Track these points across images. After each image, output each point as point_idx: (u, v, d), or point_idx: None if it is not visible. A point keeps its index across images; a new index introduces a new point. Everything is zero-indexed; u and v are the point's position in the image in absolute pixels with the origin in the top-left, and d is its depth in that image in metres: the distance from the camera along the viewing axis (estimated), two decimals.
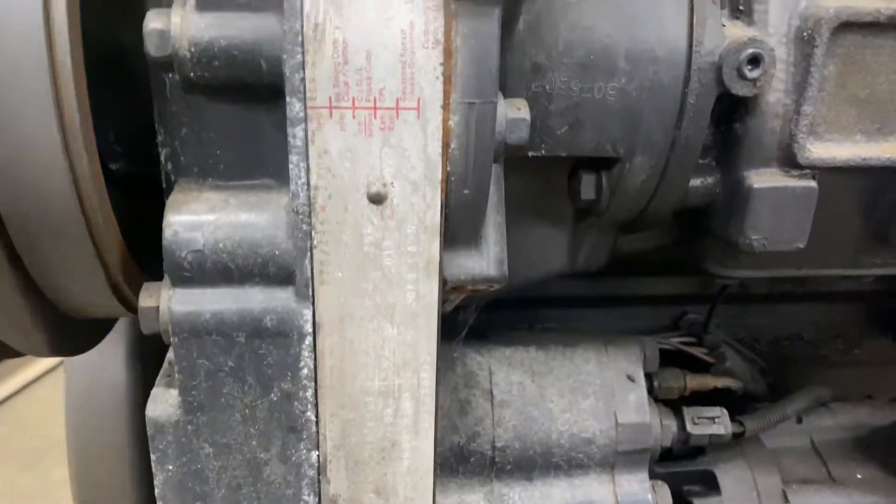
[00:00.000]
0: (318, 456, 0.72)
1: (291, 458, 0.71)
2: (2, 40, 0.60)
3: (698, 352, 1.21)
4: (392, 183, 0.64)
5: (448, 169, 0.65)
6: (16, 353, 0.78)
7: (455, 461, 0.91)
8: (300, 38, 0.59)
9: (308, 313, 0.67)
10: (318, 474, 0.72)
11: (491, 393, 0.92)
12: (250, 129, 0.67)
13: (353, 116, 0.62)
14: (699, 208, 0.85)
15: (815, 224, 0.81)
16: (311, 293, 0.66)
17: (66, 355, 0.81)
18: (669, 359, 1.17)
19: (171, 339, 0.67)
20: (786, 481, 1.12)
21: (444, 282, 0.70)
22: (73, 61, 0.61)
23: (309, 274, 0.66)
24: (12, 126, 0.62)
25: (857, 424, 1.23)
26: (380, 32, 0.60)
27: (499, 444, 0.91)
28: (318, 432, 0.71)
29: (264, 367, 0.68)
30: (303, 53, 0.59)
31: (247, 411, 0.70)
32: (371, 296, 0.67)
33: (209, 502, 0.72)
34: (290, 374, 0.68)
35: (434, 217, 0.66)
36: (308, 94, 0.60)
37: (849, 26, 0.74)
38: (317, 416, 0.70)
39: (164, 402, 0.70)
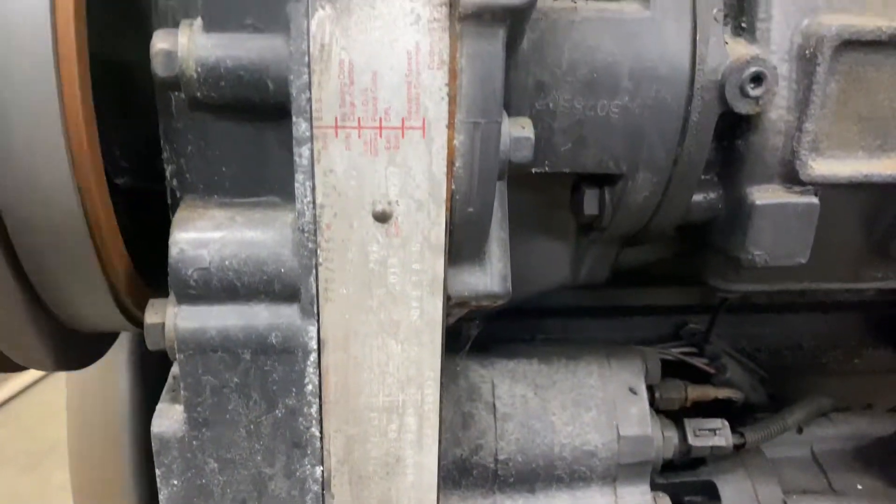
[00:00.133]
0: (323, 471, 0.72)
1: (296, 474, 0.72)
2: (10, 57, 0.60)
3: (699, 362, 1.21)
4: (397, 201, 0.64)
5: (453, 187, 0.65)
6: (19, 367, 0.78)
7: (458, 474, 0.92)
8: (307, 59, 0.59)
9: (313, 330, 0.67)
10: (323, 489, 0.72)
11: (494, 406, 0.93)
12: (256, 146, 0.67)
13: (359, 136, 0.62)
14: (701, 223, 0.85)
15: (817, 239, 0.81)
16: (316, 310, 0.67)
17: (69, 369, 0.81)
18: (670, 369, 1.17)
19: (177, 356, 0.67)
20: (786, 492, 1.13)
21: (448, 298, 0.71)
22: (81, 77, 0.62)
23: (314, 291, 0.66)
24: (20, 141, 0.62)
25: (858, 435, 1.23)
26: (385, 53, 0.60)
27: (501, 457, 0.92)
28: (322, 448, 0.71)
29: (269, 384, 0.69)
30: (309, 74, 0.60)
31: (252, 427, 0.70)
32: (376, 313, 0.68)
33: None
34: (294, 390, 0.69)
35: (439, 235, 0.66)
36: (314, 114, 0.61)
37: (851, 44, 0.74)
38: (321, 432, 0.71)
39: (169, 418, 0.71)
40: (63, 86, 0.61)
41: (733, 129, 0.78)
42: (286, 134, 0.63)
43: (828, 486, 1.17)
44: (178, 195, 0.70)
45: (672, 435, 1.01)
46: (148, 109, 0.69)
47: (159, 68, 0.60)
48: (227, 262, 0.66)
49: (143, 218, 0.79)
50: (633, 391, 0.96)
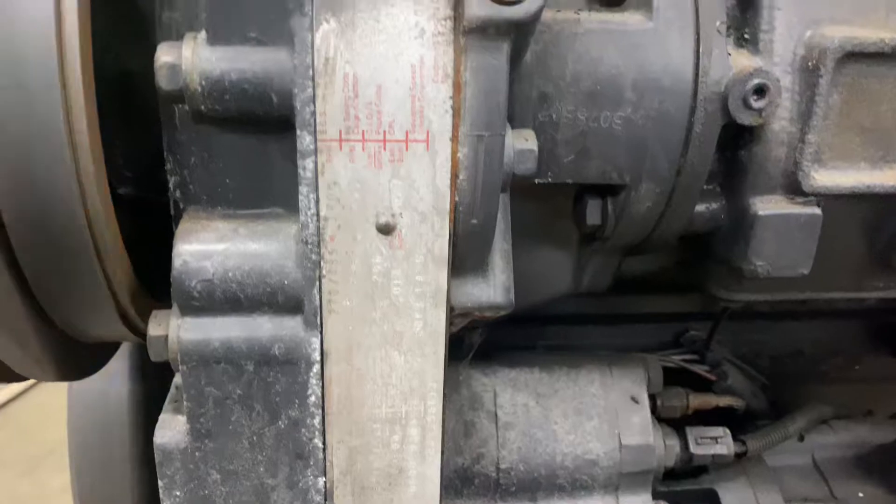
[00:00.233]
0: (325, 482, 0.72)
1: (298, 485, 0.72)
2: (16, 68, 0.60)
3: (700, 369, 1.21)
4: (401, 213, 0.64)
5: (456, 199, 0.65)
6: (20, 377, 0.78)
7: (460, 483, 0.92)
8: (311, 73, 0.59)
9: (316, 342, 0.67)
10: (325, 500, 0.72)
11: (495, 415, 0.93)
12: (259, 158, 0.67)
13: (363, 149, 0.62)
14: (704, 233, 0.85)
15: (819, 249, 0.81)
16: (319, 322, 0.67)
17: (72, 379, 0.81)
18: (671, 376, 1.17)
19: (180, 368, 0.67)
20: (787, 500, 1.13)
21: (451, 309, 0.71)
22: (85, 88, 0.62)
23: (317, 303, 0.66)
24: (25, 152, 0.62)
25: (859, 442, 1.23)
26: (390, 67, 0.60)
27: (503, 466, 0.92)
28: (325, 459, 0.71)
29: (272, 395, 0.69)
30: (313, 87, 0.60)
31: (254, 438, 0.70)
32: (379, 324, 0.68)
33: None
34: (297, 401, 0.69)
35: (442, 247, 0.66)
36: (318, 127, 0.61)
37: (853, 56, 0.74)
38: (324, 443, 0.71)
39: (172, 429, 0.71)
40: (68, 96, 0.61)
41: (736, 139, 0.78)
42: (290, 146, 0.63)
43: (829, 494, 1.17)
44: (182, 206, 0.70)
45: (674, 443, 1.01)
46: (151, 120, 0.69)
47: (163, 81, 0.60)
48: (230, 274, 0.66)
49: (145, 227, 0.79)
50: (634, 400, 0.96)
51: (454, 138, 0.63)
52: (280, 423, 0.70)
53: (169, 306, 0.72)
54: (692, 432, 1.02)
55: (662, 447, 0.97)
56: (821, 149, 0.77)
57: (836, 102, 0.76)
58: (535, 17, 0.60)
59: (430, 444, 0.72)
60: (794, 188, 0.79)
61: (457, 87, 0.61)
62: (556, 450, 0.93)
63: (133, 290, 0.73)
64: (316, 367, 0.68)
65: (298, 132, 0.61)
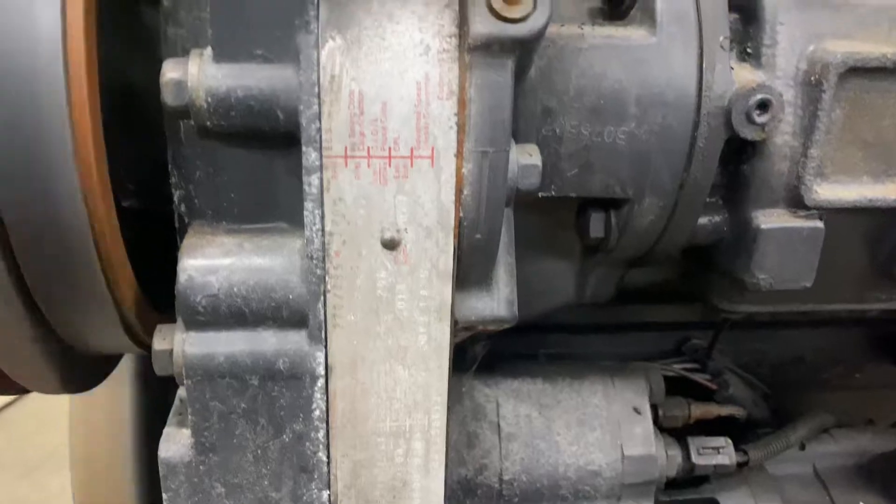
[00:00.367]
0: (329, 496, 0.72)
1: (303, 498, 0.72)
2: (21, 81, 0.60)
3: (701, 378, 1.22)
4: (406, 229, 0.65)
5: (461, 215, 0.66)
6: (23, 390, 0.78)
7: (462, 494, 0.92)
8: (317, 90, 0.59)
9: (321, 356, 0.67)
10: None
11: (498, 425, 0.93)
12: (264, 173, 0.67)
13: (368, 165, 0.63)
14: (706, 245, 0.85)
15: (821, 261, 0.82)
16: (323, 336, 0.67)
17: (75, 392, 0.81)
18: (673, 384, 1.18)
19: (185, 382, 0.67)
20: None
21: (455, 323, 0.71)
22: (90, 101, 0.62)
23: (322, 317, 0.66)
24: (29, 164, 0.62)
25: (860, 451, 1.24)
26: (395, 84, 0.60)
27: (506, 477, 0.92)
28: (329, 472, 0.71)
29: (277, 409, 0.69)
30: (319, 104, 0.60)
31: (259, 452, 0.70)
32: (383, 338, 0.68)
33: None
34: (302, 415, 0.69)
35: (447, 262, 0.66)
36: (324, 144, 0.61)
37: (856, 71, 0.74)
38: (328, 457, 0.71)
39: (176, 443, 0.71)
40: (73, 110, 0.61)
41: (739, 153, 0.79)
42: (295, 161, 0.63)
43: (830, 503, 1.17)
44: (186, 220, 0.70)
45: (676, 454, 1.01)
46: (156, 133, 0.69)
47: (169, 98, 0.61)
48: (235, 289, 0.66)
49: (148, 237, 0.79)
50: (637, 411, 0.96)
51: (459, 154, 0.63)
52: (284, 436, 0.70)
53: (172, 318, 0.73)
54: (694, 442, 1.02)
55: (664, 458, 0.98)
56: (823, 163, 0.78)
57: (839, 117, 0.76)
58: (540, 34, 0.60)
59: (433, 458, 0.73)
60: (796, 202, 0.79)
61: (461, 103, 0.62)
62: (558, 461, 0.93)
63: (137, 303, 0.73)
64: (320, 382, 0.68)
65: (304, 149, 0.61)
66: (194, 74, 0.60)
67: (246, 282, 0.66)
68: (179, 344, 0.67)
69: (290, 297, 0.66)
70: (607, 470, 0.94)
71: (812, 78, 0.75)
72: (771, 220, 0.79)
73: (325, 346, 0.67)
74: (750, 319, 1.31)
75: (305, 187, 0.62)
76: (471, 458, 0.92)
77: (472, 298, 0.73)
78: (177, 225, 0.72)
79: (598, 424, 0.95)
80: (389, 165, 0.63)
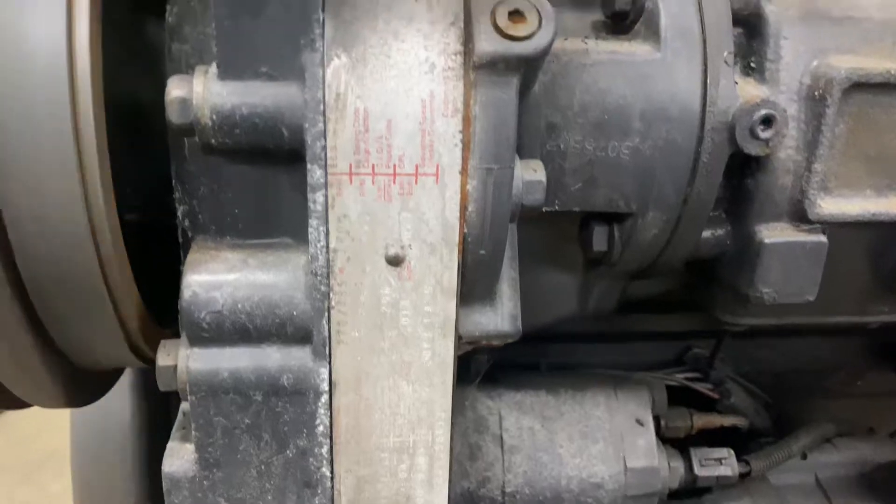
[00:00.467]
0: None
1: None
2: (27, 95, 0.60)
3: (703, 388, 1.22)
4: (410, 245, 0.65)
5: (465, 231, 0.65)
6: (24, 404, 0.78)
7: None
8: (322, 108, 0.59)
9: (324, 372, 0.67)
10: None
11: (501, 438, 0.93)
12: (268, 189, 0.67)
13: (373, 182, 0.63)
14: (709, 258, 0.85)
15: (825, 275, 0.82)
16: (328, 352, 0.67)
17: (77, 406, 0.81)
18: (674, 393, 1.18)
19: (189, 398, 0.67)
20: None
21: (459, 338, 0.71)
22: (95, 115, 0.62)
23: (326, 334, 0.66)
24: (33, 182, 0.62)
25: (862, 460, 1.24)
26: (400, 102, 0.60)
27: (509, 490, 0.92)
28: (332, 488, 0.71)
29: (280, 425, 0.69)
30: (324, 122, 0.60)
31: (262, 467, 0.70)
32: (387, 354, 0.68)
33: None
34: (305, 430, 0.69)
35: (451, 278, 0.66)
36: (329, 161, 0.61)
37: (859, 86, 0.74)
38: (332, 472, 0.71)
39: (180, 458, 0.71)
40: (78, 126, 0.61)
41: (742, 167, 0.79)
42: (299, 177, 0.63)
43: None
44: (190, 235, 0.70)
45: (678, 465, 1.01)
46: (159, 146, 0.69)
47: (174, 115, 0.61)
48: (239, 305, 0.66)
49: (151, 250, 0.79)
50: (639, 422, 0.96)
51: (464, 171, 0.63)
52: (288, 452, 0.70)
53: (175, 330, 0.73)
54: (696, 454, 1.02)
55: (667, 469, 0.98)
56: (827, 177, 0.78)
57: (842, 131, 0.76)
58: (545, 52, 0.60)
59: (437, 473, 0.72)
60: (800, 216, 0.79)
61: (466, 120, 0.62)
62: (561, 473, 0.93)
63: (141, 319, 0.73)
64: (324, 397, 0.68)
65: (309, 166, 0.61)
66: (199, 92, 0.60)
67: (250, 298, 0.66)
68: (183, 360, 0.67)
69: (295, 313, 0.66)
70: (610, 482, 0.94)
71: (816, 93, 0.75)
72: (774, 234, 0.79)
73: (329, 362, 0.67)
74: (752, 329, 1.32)
75: (310, 204, 0.62)
76: (474, 471, 0.92)
77: (476, 314, 0.72)
78: (180, 239, 0.72)
79: (600, 436, 0.95)
80: (394, 182, 0.63)
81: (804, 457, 1.21)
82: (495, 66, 0.60)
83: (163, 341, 0.70)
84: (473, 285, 0.70)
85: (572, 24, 0.77)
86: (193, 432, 0.69)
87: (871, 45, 0.77)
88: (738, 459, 1.07)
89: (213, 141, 0.62)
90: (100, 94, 0.63)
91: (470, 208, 0.65)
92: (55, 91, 0.60)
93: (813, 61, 0.76)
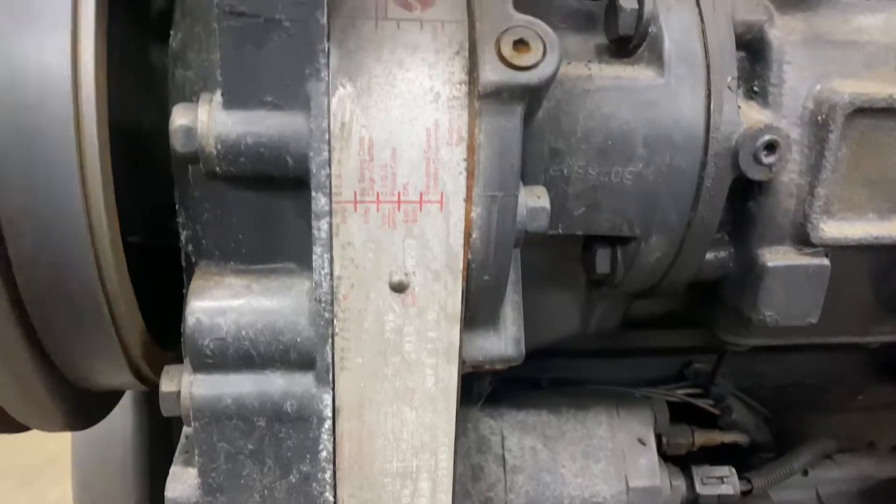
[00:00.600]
0: None
1: None
2: (32, 118, 0.60)
3: (704, 404, 1.22)
4: (414, 272, 0.65)
5: (469, 257, 0.66)
6: (24, 428, 0.78)
7: None
8: (327, 137, 0.59)
9: (328, 398, 0.67)
10: None
11: (503, 458, 0.93)
12: (272, 214, 0.67)
13: (378, 210, 0.63)
14: (712, 280, 0.85)
15: (826, 297, 0.82)
16: (331, 378, 0.67)
17: (78, 429, 0.81)
18: (676, 408, 1.17)
19: (192, 423, 0.67)
20: None
21: (462, 363, 0.71)
22: (100, 139, 0.62)
23: (330, 360, 0.66)
24: (38, 204, 0.62)
25: (863, 476, 1.24)
26: (405, 131, 0.60)
27: None
28: None
29: (284, 450, 0.69)
30: (329, 151, 0.60)
31: (266, 492, 0.70)
32: (391, 380, 0.68)
33: None
34: (309, 456, 0.69)
35: (455, 304, 0.66)
36: (333, 190, 0.61)
37: (863, 111, 0.75)
38: (335, 497, 0.70)
39: (183, 483, 0.70)
40: (83, 149, 0.61)
41: (745, 191, 0.79)
42: (303, 203, 0.63)
43: None
44: (193, 260, 0.70)
45: (680, 483, 1.01)
46: (162, 170, 0.69)
47: (178, 144, 0.60)
48: (243, 332, 0.66)
49: (154, 272, 0.79)
50: (641, 441, 0.96)
51: (468, 199, 0.63)
52: (291, 477, 0.69)
53: (177, 352, 0.72)
54: (698, 472, 1.02)
55: (669, 489, 0.98)
56: (829, 201, 0.78)
57: (845, 156, 0.76)
58: (549, 82, 0.60)
59: (440, 498, 0.72)
60: (802, 239, 0.79)
61: (471, 149, 0.62)
62: (563, 493, 0.93)
63: (143, 341, 0.73)
64: (328, 423, 0.68)
65: (314, 194, 0.61)
66: (204, 121, 0.60)
67: (254, 324, 0.66)
68: (187, 386, 0.67)
69: (298, 339, 0.66)
70: (612, 502, 0.94)
71: (819, 118, 0.75)
72: (777, 257, 0.79)
73: (333, 389, 0.67)
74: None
75: (314, 232, 0.62)
76: (476, 492, 0.92)
77: (480, 338, 0.73)
78: (183, 264, 0.71)
79: (602, 456, 0.94)
80: (398, 210, 0.63)
81: (805, 473, 1.21)
82: (500, 95, 0.60)
83: (166, 367, 0.70)
84: (477, 310, 0.70)
85: (575, 48, 0.77)
86: (196, 458, 0.68)
87: (874, 69, 0.77)
88: (740, 477, 1.07)
89: (217, 169, 0.62)
90: (104, 117, 0.63)
91: (474, 235, 0.65)
92: (60, 114, 0.60)
93: (816, 86, 0.76)
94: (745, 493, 1.08)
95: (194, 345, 0.65)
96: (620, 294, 0.90)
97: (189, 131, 0.60)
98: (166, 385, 0.68)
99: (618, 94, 0.72)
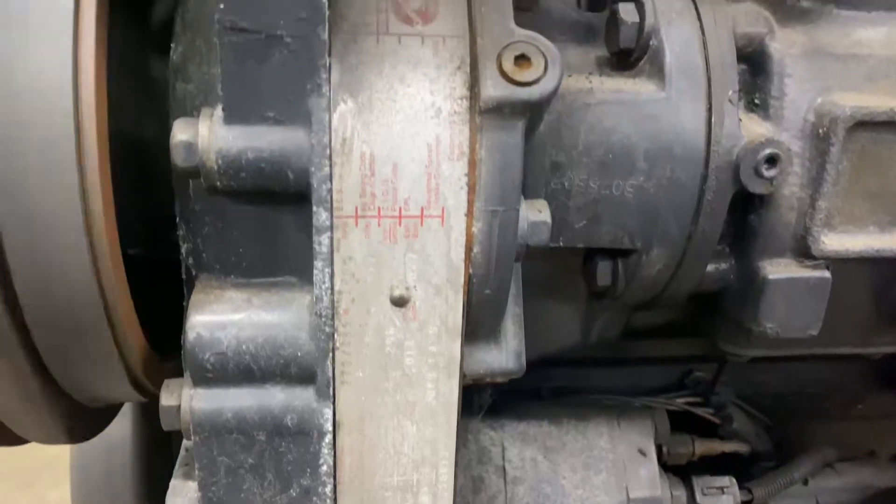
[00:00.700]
0: None
1: None
2: (32, 131, 0.60)
3: (704, 413, 1.21)
4: (415, 286, 0.65)
5: (470, 271, 0.65)
6: (23, 440, 0.78)
7: None
8: (328, 152, 0.59)
9: (328, 412, 0.67)
10: None
11: (504, 469, 0.93)
12: (273, 228, 0.67)
13: (379, 224, 0.62)
14: (713, 291, 0.85)
15: (827, 308, 0.82)
16: (331, 393, 0.66)
17: (77, 442, 0.81)
18: (676, 417, 1.17)
19: (192, 437, 0.67)
20: None
21: (463, 376, 0.71)
22: (100, 151, 0.62)
23: (330, 374, 0.66)
24: (38, 218, 0.62)
25: (863, 485, 1.23)
26: (406, 146, 0.60)
27: None
28: None
29: (284, 464, 0.68)
30: (330, 166, 0.60)
31: None
32: (391, 394, 0.68)
33: None
34: (309, 470, 0.69)
35: (456, 318, 0.66)
36: (335, 204, 0.61)
37: (864, 125, 0.74)
38: None
39: (183, 496, 0.70)
40: (82, 158, 0.61)
41: (746, 204, 0.79)
42: (303, 217, 0.63)
43: None
44: (194, 273, 0.70)
45: (680, 493, 1.01)
46: (163, 182, 0.69)
47: (179, 159, 0.60)
48: (244, 346, 0.65)
49: (153, 282, 0.78)
50: (642, 452, 0.96)
51: (469, 213, 0.63)
52: (292, 491, 0.69)
53: (176, 363, 0.72)
54: (698, 482, 1.02)
55: (669, 500, 0.97)
56: (830, 214, 0.78)
57: (846, 169, 0.76)
58: (551, 97, 0.60)
59: None
60: (803, 252, 0.79)
61: (472, 164, 0.62)
62: None
63: (143, 353, 0.73)
64: (328, 437, 0.68)
65: (315, 209, 0.61)
66: (205, 136, 0.60)
67: (255, 339, 0.66)
68: (187, 400, 0.67)
69: (299, 354, 0.66)
70: None
71: (820, 131, 0.75)
72: (778, 269, 0.79)
73: (334, 403, 0.67)
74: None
75: (315, 246, 0.62)
76: (477, 503, 0.91)
77: (481, 352, 0.72)
78: (184, 276, 0.71)
79: (603, 467, 0.94)
80: (400, 225, 0.63)
81: (805, 482, 1.21)
82: (501, 110, 0.60)
83: (166, 381, 0.69)
84: (478, 324, 0.70)
85: (576, 60, 0.77)
86: (197, 471, 0.68)
87: (875, 82, 0.77)
88: (740, 487, 1.07)
89: (218, 184, 0.61)
90: (104, 128, 0.63)
91: (475, 250, 0.65)
92: (61, 126, 0.60)
93: (817, 99, 0.76)
94: None
95: (195, 359, 0.65)
96: (621, 305, 0.90)
97: (190, 146, 0.60)
98: (166, 399, 0.68)
99: (619, 107, 0.72)
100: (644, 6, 0.74)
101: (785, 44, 0.77)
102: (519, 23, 0.63)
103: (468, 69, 0.60)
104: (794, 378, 1.37)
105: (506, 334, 0.74)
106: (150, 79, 0.74)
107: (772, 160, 0.73)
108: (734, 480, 1.05)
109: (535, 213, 0.67)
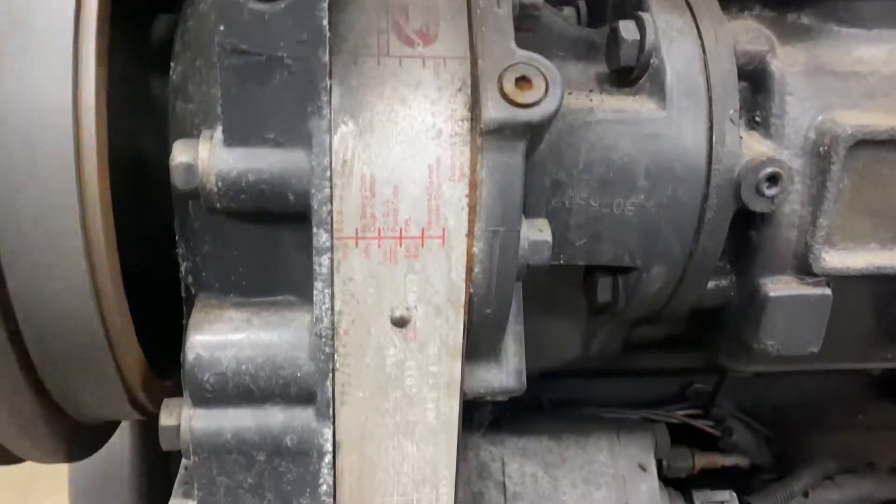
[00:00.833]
0: None
1: None
2: (32, 148, 0.60)
3: (704, 425, 1.21)
4: (416, 307, 0.64)
5: (471, 291, 0.65)
6: (19, 459, 0.77)
7: None
8: (329, 174, 0.59)
9: (328, 432, 0.67)
10: None
11: (504, 485, 0.92)
12: (273, 248, 0.67)
13: (379, 245, 0.62)
14: (714, 307, 0.85)
15: (828, 325, 0.81)
16: (331, 413, 0.66)
17: (77, 460, 0.80)
18: (676, 429, 1.17)
19: (192, 457, 0.67)
20: None
21: (463, 394, 0.70)
22: (100, 170, 0.61)
23: (330, 395, 0.66)
24: (36, 236, 0.62)
25: (863, 498, 1.23)
26: (407, 167, 0.60)
27: None
28: None
29: (283, 484, 0.68)
30: (331, 188, 0.60)
31: None
32: (392, 414, 0.68)
33: None
34: (309, 490, 0.68)
35: (456, 338, 0.66)
36: (335, 226, 0.61)
37: (865, 143, 0.74)
38: None
39: None
40: (82, 177, 0.61)
41: (747, 221, 0.79)
42: (303, 237, 0.63)
43: None
44: (193, 291, 0.70)
45: None
46: (163, 200, 0.69)
47: (179, 180, 0.60)
48: (243, 366, 0.65)
49: (152, 300, 0.78)
50: (642, 467, 0.96)
51: (470, 234, 0.63)
52: None
53: (175, 381, 0.72)
54: (699, 497, 1.02)
55: None
56: (831, 231, 0.78)
57: (847, 186, 0.76)
58: (551, 119, 0.60)
59: None
60: (804, 269, 0.79)
61: (473, 185, 0.61)
62: None
63: (142, 372, 0.72)
64: (328, 458, 0.67)
65: (315, 230, 0.61)
66: (204, 158, 0.59)
67: (254, 359, 0.65)
68: (186, 420, 0.66)
69: (299, 374, 0.66)
70: None
71: (821, 149, 0.75)
72: (779, 287, 0.79)
73: (333, 423, 0.67)
74: None
75: (315, 267, 0.62)
76: None
77: (481, 370, 0.72)
78: (183, 294, 0.71)
79: (603, 482, 0.94)
80: (400, 245, 0.63)
81: (806, 495, 1.20)
82: (502, 132, 0.60)
83: (166, 400, 0.69)
84: (479, 343, 0.70)
85: (577, 76, 0.77)
86: (196, 491, 0.68)
87: (876, 100, 0.77)
88: (740, 500, 1.06)
89: (218, 205, 0.61)
90: (104, 148, 0.62)
91: (476, 270, 0.65)
92: (60, 146, 0.60)
93: (818, 117, 0.76)
94: None
95: (194, 379, 0.65)
96: (621, 321, 0.90)
97: (190, 168, 0.60)
98: (166, 419, 0.68)
99: (619, 126, 0.72)
100: (644, 24, 0.74)
101: (786, 61, 0.77)
102: (520, 42, 0.63)
103: (469, 91, 0.60)
104: (794, 389, 1.37)
105: (506, 352, 0.73)
106: (150, 98, 0.73)
107: (773, 179, 0.73)
108: (734, 494, 1.04)
109: (536, 233, 0.67)
